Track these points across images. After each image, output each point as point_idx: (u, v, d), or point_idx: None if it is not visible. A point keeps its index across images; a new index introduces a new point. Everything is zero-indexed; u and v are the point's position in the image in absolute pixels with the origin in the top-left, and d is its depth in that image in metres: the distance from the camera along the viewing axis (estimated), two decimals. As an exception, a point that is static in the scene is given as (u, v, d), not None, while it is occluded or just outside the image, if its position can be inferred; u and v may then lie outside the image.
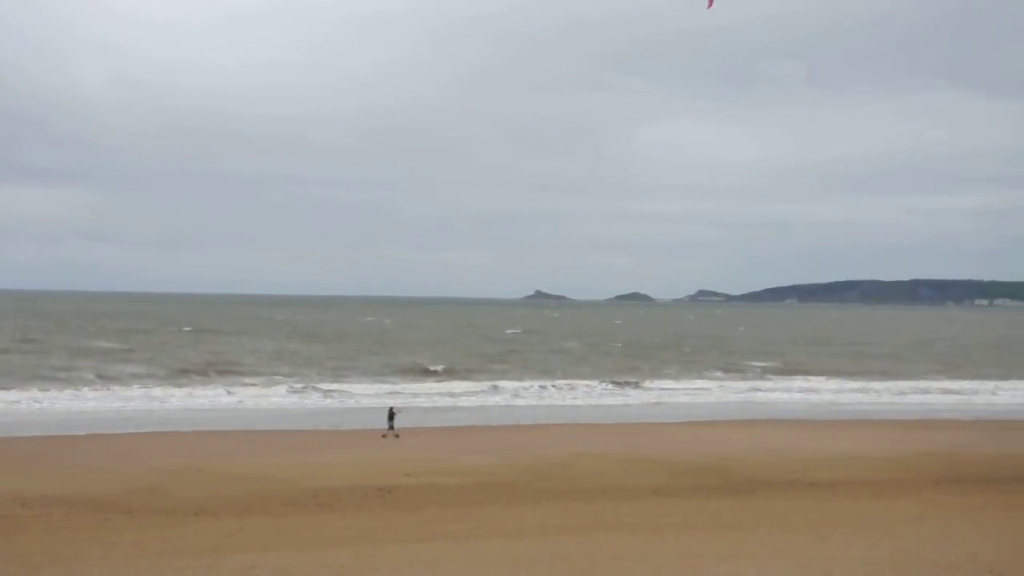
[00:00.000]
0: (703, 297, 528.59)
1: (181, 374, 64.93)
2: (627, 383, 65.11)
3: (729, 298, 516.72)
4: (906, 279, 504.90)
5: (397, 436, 38.53)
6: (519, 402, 55.39)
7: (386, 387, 59.83)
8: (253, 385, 59.60)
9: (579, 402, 55.91)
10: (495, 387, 61.84)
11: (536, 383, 64.23)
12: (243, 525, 22.24)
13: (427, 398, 55.67)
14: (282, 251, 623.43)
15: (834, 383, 68.84)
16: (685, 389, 63.14)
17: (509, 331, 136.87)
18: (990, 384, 68.43)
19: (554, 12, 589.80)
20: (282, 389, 57.67)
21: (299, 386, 59.12)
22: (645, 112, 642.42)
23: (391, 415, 40.42)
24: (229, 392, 55.60)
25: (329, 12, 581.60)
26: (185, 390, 55.85)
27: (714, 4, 26.10)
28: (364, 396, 55.70)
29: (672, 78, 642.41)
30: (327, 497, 25.62)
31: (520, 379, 66.65)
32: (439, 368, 72.63)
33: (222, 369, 68.44)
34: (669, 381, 67.17)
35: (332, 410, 50.33)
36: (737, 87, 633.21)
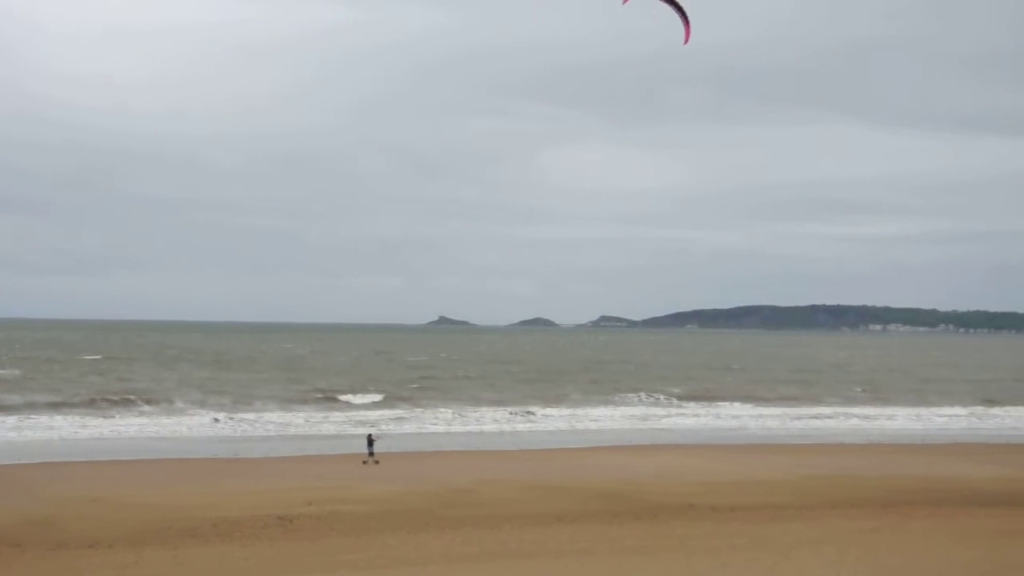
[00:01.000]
0: (605, 323, 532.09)
1: (80, 403, 63.33)
2: (533, 409, 65.23)
3: (631, 324, 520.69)
4: (804, 305, 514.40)
5: (377, 462, 38.60)
6: (426, 428, 55.14)
7: (292, 415, 59.09)
8: (154, 413, 58.53)
9: (486, 428, 55.85)
10: (401, 413, 61.53)
11: (442, 409, 64.05)
12: (139, 557, 21.81)
13: (335, 425, 55.16)
14: (183, 276, 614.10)
15: (735, 408, 69.73)
16: (591, 415, 63.40)
17: (415, 357, 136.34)
18: (887, 410, 69.71)
19: (455, 41, 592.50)
20: (185, 417, 56.72)
21: (203, 413, 58.20)
22: (548, 139, 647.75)
23: (370, 441, 40.47)
24: (128, 421, 54.50)
25: (227, 33, 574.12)
26: (83, 419, 54.51)
27: (689, 40, 26.49)
28: (269, 423, 55.03)
29: (576, 106, 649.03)
30: (227, 527, 25.24)
31: (425, 405, 66.39)
32: (348, 395, 71.71)
33: (121, 397, 66.95)
34: (576, 407, 67.37)
35: (236, 438, 49.63)
36: (641, 115, 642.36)
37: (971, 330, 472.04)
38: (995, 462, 41.58)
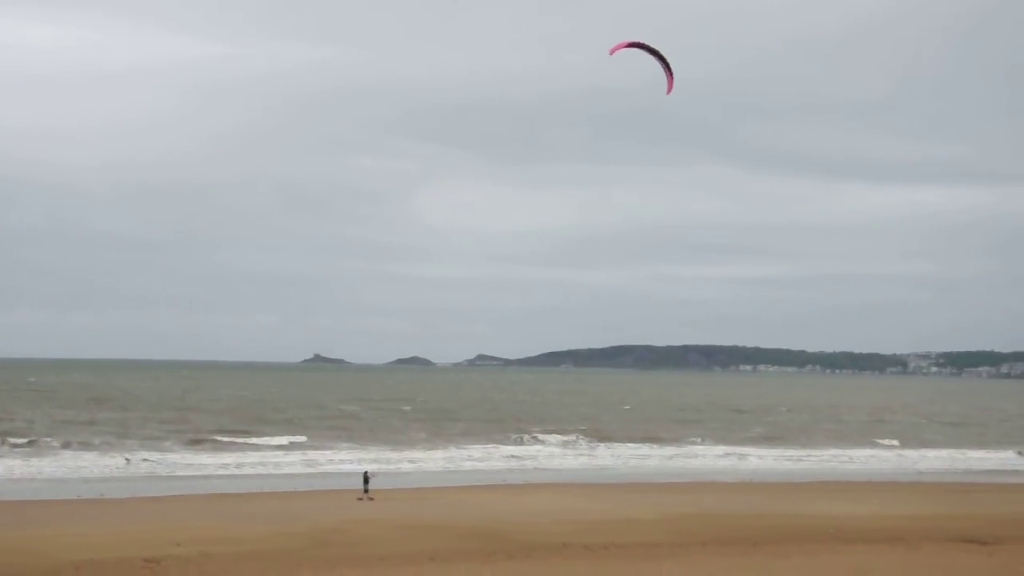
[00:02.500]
0: (481, 361, 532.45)
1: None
2: (408, 448, 64.92)
3: (507, 362, 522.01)
4: (677, 344, 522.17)
5: (372, 499, 39.19)
6: (301, 468, 54.38)
7: (160, 454, 57.72)
8: (16, 454, 56.66)
9: (357, 467, 55.19)
10: (269, 451, 60.68)
11: (316, 447, 63.35)
12: (-2, 602, 21.06)
13: (200, 467, 53.97)
14: (44, 310, 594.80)
15: (611, 447, 70.36)
16: (467, 454, 63.30)
17: (288, 395, 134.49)
18: (758, 449, 70.95)
19: (332, 78, 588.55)
20: (48, 456, 55.05)
21: (66, 452, 56.58)
22: (428, 178, 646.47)
23: (366, 479, 41.07)
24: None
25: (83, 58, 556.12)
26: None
27: (672, 90, 27.05)
28: (142, 463, 53.78)
29: (455, 145, 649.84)
30: (91, 570, 24.53)
31: (299, 444, 65.54)
32: (218, 435, 70.06)
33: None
34: (452, 446, 67.14)
35: (102, 477, 48.38)
36: (520, 156, 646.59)
37: (837, 370, 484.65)
38: (856, 500, 42.64)
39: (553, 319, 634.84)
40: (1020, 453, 73.50)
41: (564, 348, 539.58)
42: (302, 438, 68.27)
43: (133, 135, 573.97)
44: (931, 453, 72.65)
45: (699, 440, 76.38)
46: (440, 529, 32.09)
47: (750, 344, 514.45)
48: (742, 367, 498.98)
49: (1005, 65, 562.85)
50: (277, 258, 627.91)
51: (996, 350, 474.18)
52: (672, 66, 26.91)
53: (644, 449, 69.76)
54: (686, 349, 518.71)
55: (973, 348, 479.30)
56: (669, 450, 69.63)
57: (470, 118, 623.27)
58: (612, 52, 27.23)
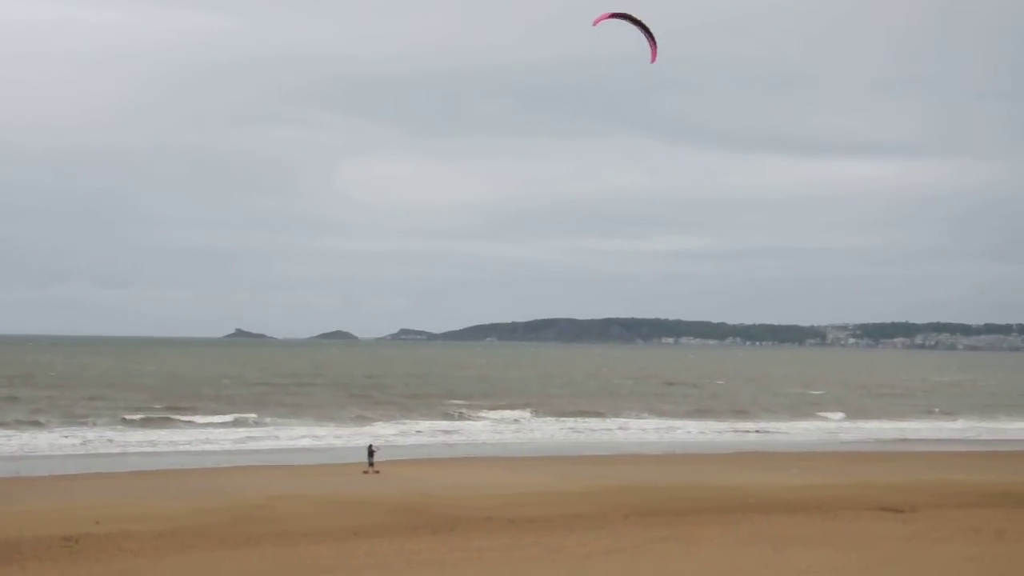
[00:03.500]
0: (405, 335, 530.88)
1: None
2: (330, 422, 64.61)
3: (431, 336, 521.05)
4: (599, 318, 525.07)
5: (377, 472, 40.02)
6: (221, 445, 53.74)
7: (87, 432, 56.66)
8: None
9: (281, 443, 54.91)
10: (192, 428, 60.06)
11: (247, 424, 63.01)
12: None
13: (124, 445, 53.12)
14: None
15: (537, 420, 70.70)
16: (394, 428, 63.13)
17: (216, 371, 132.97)
18: (679, 422, 71.52)
19: (247, 46, 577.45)
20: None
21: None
22: (350, 151, 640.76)
23: (371, 452, 41.69)
24: None
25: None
26: None
27: (656, 58, 27.11)
28: (56, 439, 52.90)
29: (380, 118, 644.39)
30: (6, 550, 24.04)
31: (222, 419, 64.90)
32: (145, 412, 68.82)
33: None
34: (379, 423, 66.80)
35: (22, 456, 47.54)
36: (444, 130, 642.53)
37: (757, 343, 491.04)
38: (778, 470, 43.28)
39: (476, 293, 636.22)
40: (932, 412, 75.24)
41: (488, 322, 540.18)
42: (230, 416, 67.26)
43: (32, 101, 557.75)
44: (872, 424, 73.64)
45: (637, 414, 76.88)
46: (363, 504, 31.98)
47: (672, 317, 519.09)
48: (664, 340, 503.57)
49: (917, 40, 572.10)
50: (196, 232, 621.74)
51: (911, 321, 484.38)
52: (655, 36, 27.02)
53: (575, 422, 70.12)
54: (609, 322, 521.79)
55: (888, 320, 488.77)
56: (595, 422, 70.12)
57: (394, 90, 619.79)
58: (595, 23, 27.30)
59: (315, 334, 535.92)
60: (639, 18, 26.92)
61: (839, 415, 79.59)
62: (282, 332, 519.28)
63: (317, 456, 49.17)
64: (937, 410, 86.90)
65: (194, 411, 70.40)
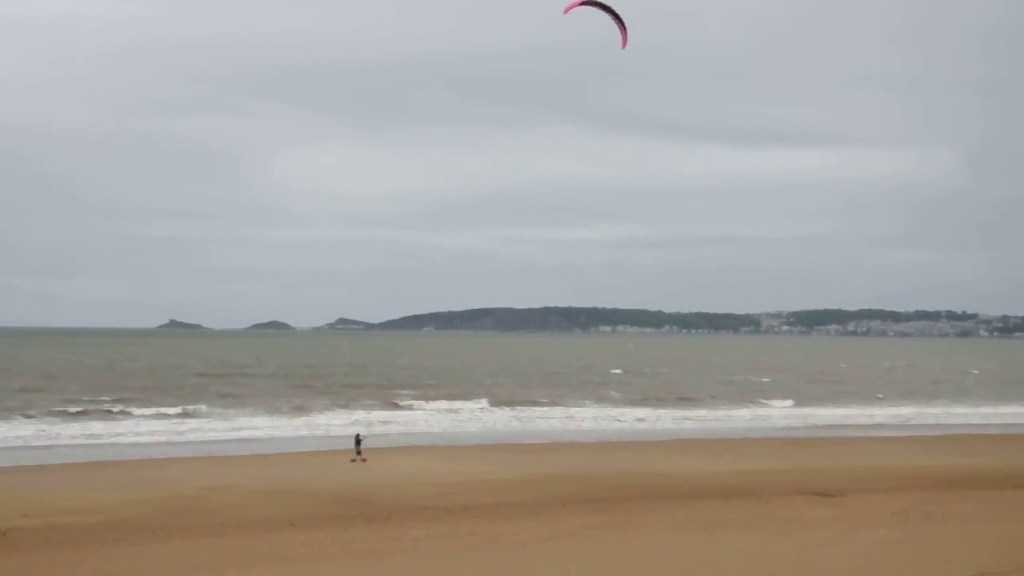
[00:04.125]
0: (342, 325, 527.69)
1: None
2: (270, 412, 64.10)
3: (368, 326, 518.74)
4: (537, 307, 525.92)
5: (364, 460, 40.53)
6: (158, 436, 53.07)
7: (21, 424, 55.66)
8: None
9: (219, 434, 54.30)
10: (129, 419, 59.37)
11: (176, 414, 62.31)
12: None
13: (56, 437, 52.15)
14: None
15: (474, 408, 70.61)
16: (330, 418, 62.74)
17: (155, 362, 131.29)
18: (615, 410, 71.59)
19: (186, 31, 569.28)
20: None
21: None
22: (287, 139, 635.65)
23: (358, 440, 42.34)
24: None
25: None
26: None
27: (627, 44, 27.39)
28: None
29: (317, 106, 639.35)
30: (-67, 544, 23.66)
31: (159, 410, 64.16)
32: (83, 405, 67.53)
33: None
34: (317, 411, 66.29)
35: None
36: (381, 119, 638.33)
37: (693, 331, 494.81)
38: (712, 456, 43.71)
39: (414, 282, 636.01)
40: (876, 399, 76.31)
41: (425, 311, 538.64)
42: (168, 408, 66.16)
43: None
44: (823, 411, 74.16)
45: (583, 402, 77.05)
46: (299, 494, 31.85)
47: (609, 306, 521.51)
48: (602, 328, 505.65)
49: (852, 34, 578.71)
50: (129, 220, 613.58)
51: (844, 308, 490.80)
52: (625, 22, 27.31)
53: (519, 411, 70.21)
54: (547, 311, 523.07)
55: (822, 307, 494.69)
56: (533, 410, 70.19)
57: (331, 79, 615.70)
58: (567, 11, 27.56)
59: (251, 324, 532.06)
60: (609, 4, 27.24)
61: (788, 402, 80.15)
62: (217, 322, 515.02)
63: (255, 447, 48.73)
64: (881, 396, 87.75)
65: (131, 402, 69.37)
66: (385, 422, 62.09)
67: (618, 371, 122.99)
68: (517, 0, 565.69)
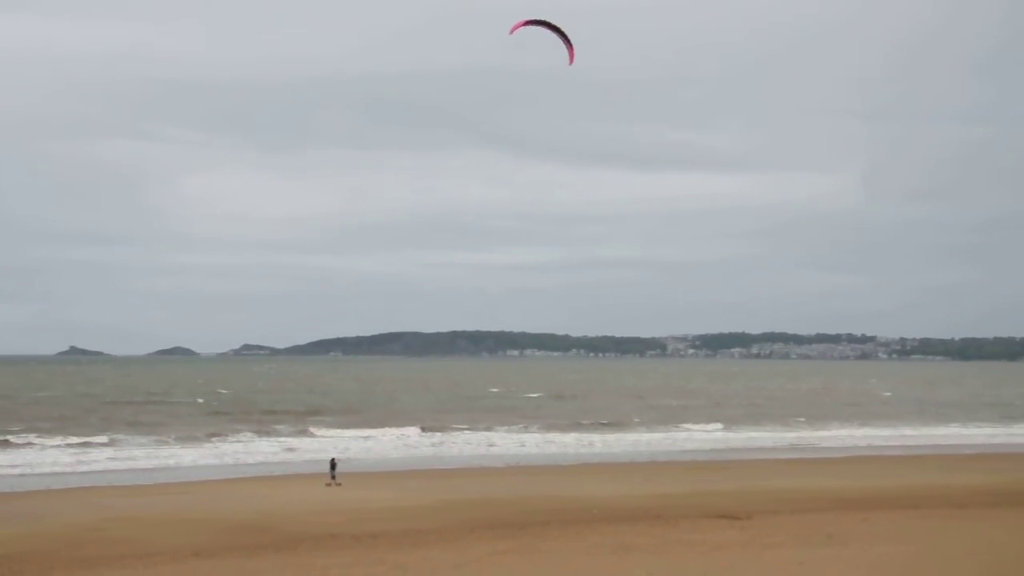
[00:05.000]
0: (247, 351, 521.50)
1: None
2: (163, 441, 62.92)
3: (274, 351, 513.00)
4: (445, 331, 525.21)
5: (339, 484, 41.08)
6: (61, 466, 51.51)
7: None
8: None
9: (123, 463, 53.00)
10: (30, 449, 57.85)
11: (80, 443, 60.75)
12: None
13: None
14: None
15: (384, 434, 70.05)
16: (238, 445, 61.81)
17: (41, 392, 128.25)
18: (516, 436, 71.27)
19: (86, 52, 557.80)
20: None
21: None
22: (190, 163, 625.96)
23: (333, 465, 43.05)
24: None
25: None
26: None
27: (574, 61, 27.66)
28: None
29: (221, 127, 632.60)
30: None
31: (63, 439, 62.52)
32: None
33: None
34: (213, 440, 65.19)
35: None
36: (288, 142, 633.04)
37: (600, 354, 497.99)
38: (620, 480, 43.95)
39: (321, 307, 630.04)
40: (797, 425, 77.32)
41: (332, 336, 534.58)
42: (72, 437, 64.42)
43: None
44: (757, 434, 74.58)
45: (463, 424, 76.94)
46: (204, 523, 31.34)
47: (516, 329, 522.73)
48: (509, 352, 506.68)
49: (754, 59, 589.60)
50: (28, 244, 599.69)
51: (747, 331, 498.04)
52: (570, 39, 27.67)
53: (406, 432, 70.03)
54: (454, 335, 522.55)
55: (726, 330, 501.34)
56: (434, 437, 69.87)
57: (235, 100, 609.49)
58: (512, 31, 27.82)
59: (154, 350, 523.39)
60: (555, 23, 27.72)
61: (716, 425, 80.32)
62: (120, 348, 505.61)
63: (161, 475, 47.85)
64: (803, 419, 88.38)
65: (33, 432, 67.57)
66: (290, 449, 61.21)
67: (535, 395, 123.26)
68: (425, 23, 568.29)
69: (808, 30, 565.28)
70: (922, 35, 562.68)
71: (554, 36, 28.06)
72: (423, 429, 73.48)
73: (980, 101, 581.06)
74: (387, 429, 72.85)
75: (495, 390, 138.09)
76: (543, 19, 28.55)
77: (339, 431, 71.79)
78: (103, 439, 63.63)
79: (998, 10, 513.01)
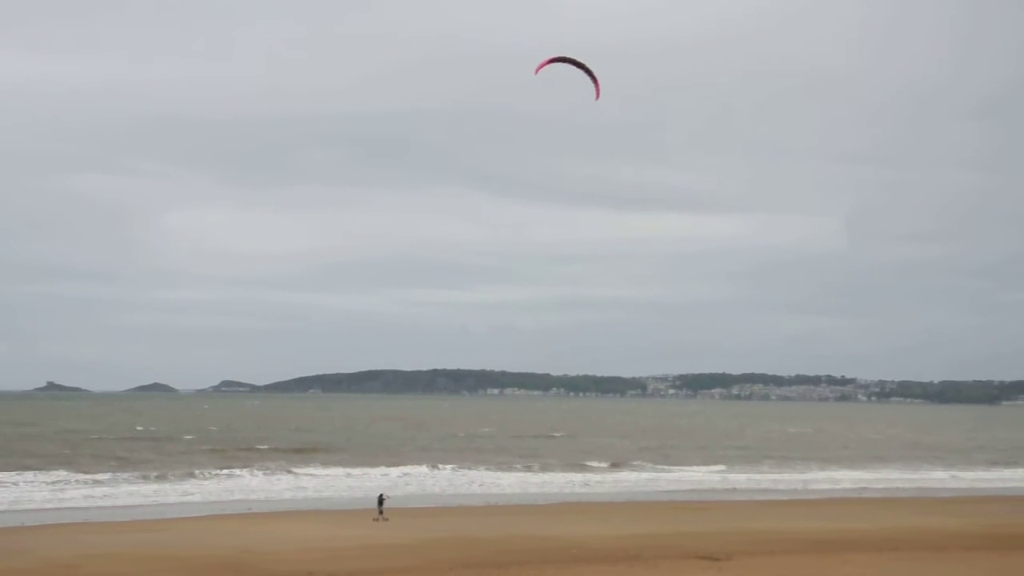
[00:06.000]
0: (227, 387, 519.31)
1: None
2: (140, 478, 62.42)
3: (254, 388, 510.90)
4: (425, 369, 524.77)
5: (387, 519, 42.55)
6: (37, 503, 50.82)
7: None
8: None
9: (100, 502, 52.44)
10: (4, 488, 57.21)
11: (57, 478, 60.25)
12: None
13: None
14: None
15: (362, 472, 69.67)
16: (216, 483, 61.43)
17: (18, 428, 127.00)
18: (495, 474, 71.05)
19: (65, 88, 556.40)
20: None
21: None
22: (170, 198, 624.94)
23: (380, 500, 44.63)
24: None
25: None
26: None
27: (600, 96, 28.12)
28: None
29: (201, 166, 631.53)
30: None
31: (39, 475, 61.88)
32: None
33: None
34: (196, 477, 64.63)
35: None
36: (270, 178, 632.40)
37: (581, 393, 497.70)
38: (600, 520, 43.80)
39: (301, 344, 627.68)
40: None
41: (312, 373, 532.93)
42: (50, 473, 63.63)
43: None
44: (760, 476, 74.14)
45: (445, 461, 76.72)
46: (181, 560, 31.13)
47: (497, 368, 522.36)
48: (490, 391, 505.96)
49: (737, 99, 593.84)
50: (4, 281, 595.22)
51: (728, 372, 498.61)
52: (597, 75, 28.17)
53: (391, 470, 69.84)
54: (435, 373, 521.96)
55: (707, 371, 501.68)
56: (417, 469, 69.64)
57: (215, 137, 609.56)
58: (537, 70, 28.41)
59: (133, 386, 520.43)
60: (580, 60, 28.32)
61: (719, 467, 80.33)
62: (98, 384, 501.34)
63: (141, 512, 47.37)
64: (798, 460, 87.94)
65: (10, 468, 66.91)
66: (271, 485, 60.83)
67: (538, 435, 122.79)
68: (409, 63, 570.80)
69: (795, 77, 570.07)
70: (906, 82, 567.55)
71: (578, 72, 28.51)
72: (387, 466, 73.23)
73: (965, 147, 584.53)
74: (351, 468, 72.00)
75: (486, 429, 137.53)
76: (567, 56, 29.06)
77: (320, 468, 71.53)
78: (79, 475, 63.11)
79: (989, 60, 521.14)
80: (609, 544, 35.55)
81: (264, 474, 67.31)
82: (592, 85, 29.15)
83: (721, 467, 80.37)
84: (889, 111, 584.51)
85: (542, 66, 28.74)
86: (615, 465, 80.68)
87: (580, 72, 28.91)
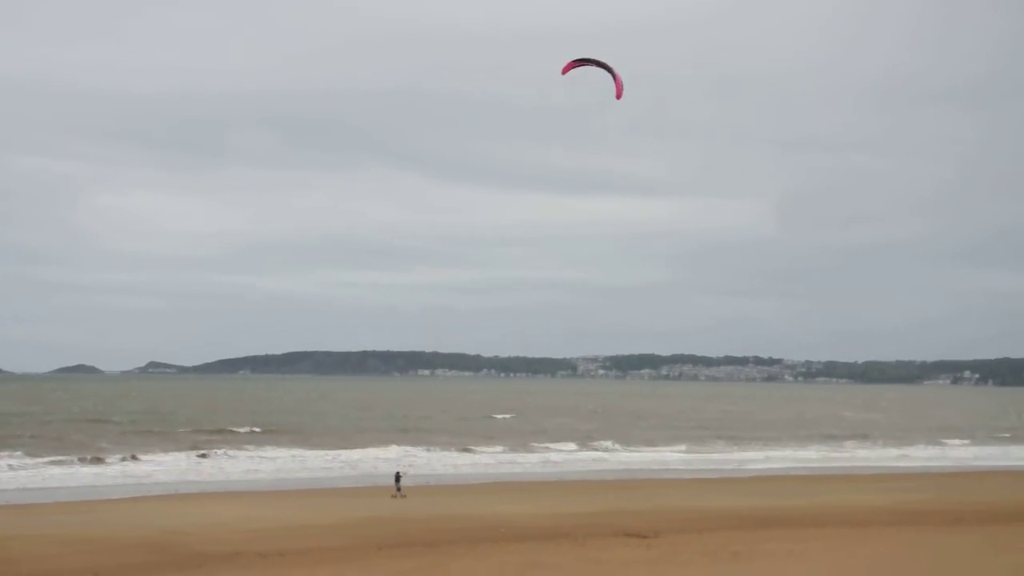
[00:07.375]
0: (154, 369, 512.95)
1: None
2: (68, 460, 61.44)
3: (182, 370, 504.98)
4: (356, 350, 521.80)
5: (404, 496, 43.44)
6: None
7: None
8: None
9: (27, 483, 51.45)
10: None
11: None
12: None
13: None
14: None
15: (290, 452, 69.24)
16: (142, 464, 60.65)
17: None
18: (424, 453, 71.03)
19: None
20: None
21: None
22: (98, 178, 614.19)
23: (397, 478, 45.48)
24: None
25: None
26: None
27: (622, 95, 28.61)
28: None
29: (129, 146, 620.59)
30: None
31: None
32: None
33: None
34: (126, 455, 63.74)
35: None
36: (199, 159, 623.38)
37: (512, 374, 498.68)
38: (530, 499, 43.92)
39: (229, 325, 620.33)
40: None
41: (241, 355, 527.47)
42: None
43: None
44: (735, 455, 75.08)
45: (374, 443, 76.40)
46: (102, 542, 30.62)
47: (428, 349, 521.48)
48: (421, 372, 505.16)
49: (683, 82, 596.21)
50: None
51: (657, 353, 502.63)
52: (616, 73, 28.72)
53: (314, 452, 69.42)
54: (365, 355, 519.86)
55: (636, 352, 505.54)
56: (344, 453, 69.25)
57: (143, 118, 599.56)
58: (564, 72, 29.20)
59: (56, 367, 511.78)
60: (603, 61, 29.19)
61: (681, 446, 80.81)
62: (20, 366, 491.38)
63: (64, 494, 46.57)
64: (728, 436, 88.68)
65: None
66: (196, 466, 60.21)
67: (463, 416, 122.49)
68: (342, 43, 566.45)
69: (743, 67, 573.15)
70: (857, 71, 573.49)
71: (600, 71, 29.15)
72: (313, 447, 72.88)
73: (875, 132, 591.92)
74: (274, 450, 71.51)
75: (415, 409, 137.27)
76: (590, 57, 29.85)
77: (249, 448, 71.01)
78: (12, 458, 61.74)
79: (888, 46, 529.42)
80: (538, 522, 35.62)
81: (197, 455, 66.59)
82: (613, 83, 29.73)
83: (682, 447, 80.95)
84: (820, 96, 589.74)
85: (568, 68, 29.44)
86: (557, 443, 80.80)
87: (603, 72, 29.53)
